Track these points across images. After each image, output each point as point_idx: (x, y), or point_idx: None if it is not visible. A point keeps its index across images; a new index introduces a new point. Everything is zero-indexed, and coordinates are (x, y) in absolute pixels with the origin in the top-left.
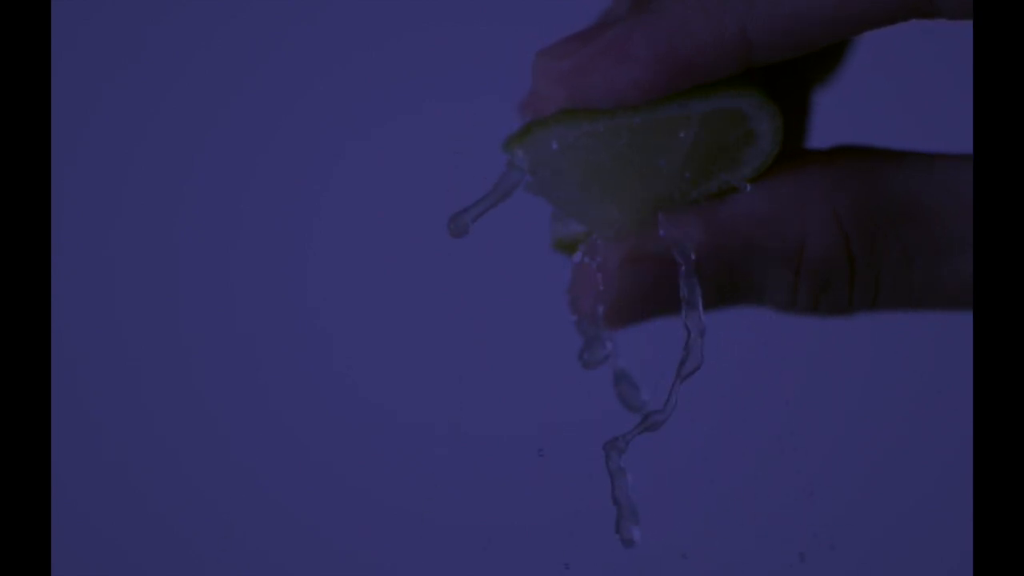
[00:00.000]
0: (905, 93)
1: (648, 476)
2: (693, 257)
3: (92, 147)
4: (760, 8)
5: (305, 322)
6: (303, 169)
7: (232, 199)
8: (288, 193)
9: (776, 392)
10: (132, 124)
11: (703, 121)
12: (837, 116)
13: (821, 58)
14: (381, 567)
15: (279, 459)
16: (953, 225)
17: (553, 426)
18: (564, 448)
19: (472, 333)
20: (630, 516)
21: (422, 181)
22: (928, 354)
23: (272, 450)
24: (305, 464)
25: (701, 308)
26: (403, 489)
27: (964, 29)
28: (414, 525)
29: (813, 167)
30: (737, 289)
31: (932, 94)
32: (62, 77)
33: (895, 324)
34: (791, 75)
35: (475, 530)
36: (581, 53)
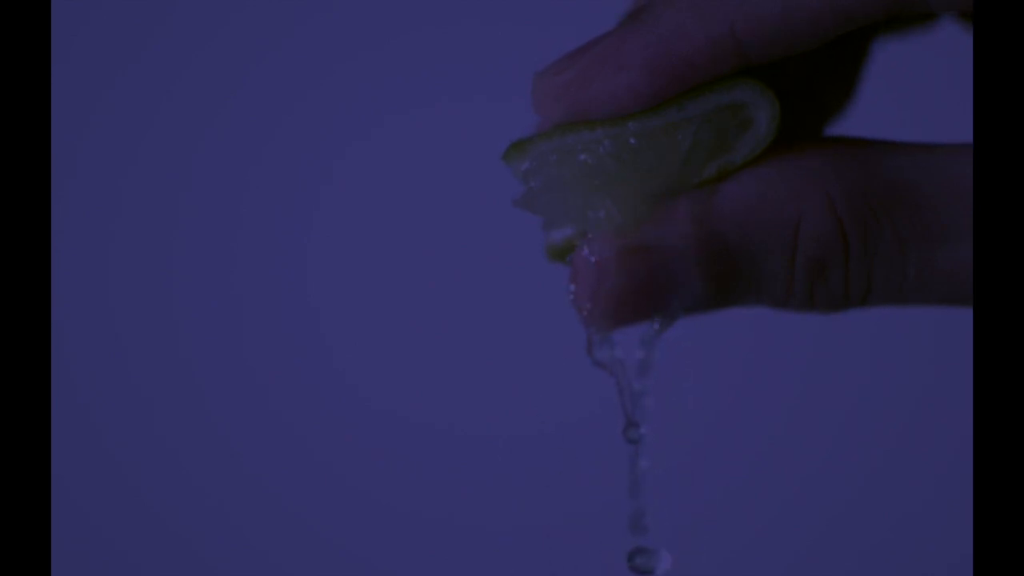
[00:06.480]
0: (905, 92)
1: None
2: (689, 246)
3: (92, 146)
4: (749, 5)
5: (305, 322)
6: (304, 169)
7: (232, 199)
8: (289, 193)
9: (776, 392)
10: (132, 124)
11: (702, 121)
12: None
13: (835, 88)
14: (381, 567)
15: (279, 459)
16: (946, 213)
17: (554, 426)
18: (565, 448)
19: (472, 333)
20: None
21: (422, 181)
22: (928, 354)
23: (272, 450)
24: (305, 464)
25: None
26: (403, 489)
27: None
28: (414, 525)
29: (808, 153)
30: (734, 281)
31: (932, 93)
32: (62, 77)
33: (895, 324)
34: (807, 107)
35: (476, 530)
36: (577, 66)
